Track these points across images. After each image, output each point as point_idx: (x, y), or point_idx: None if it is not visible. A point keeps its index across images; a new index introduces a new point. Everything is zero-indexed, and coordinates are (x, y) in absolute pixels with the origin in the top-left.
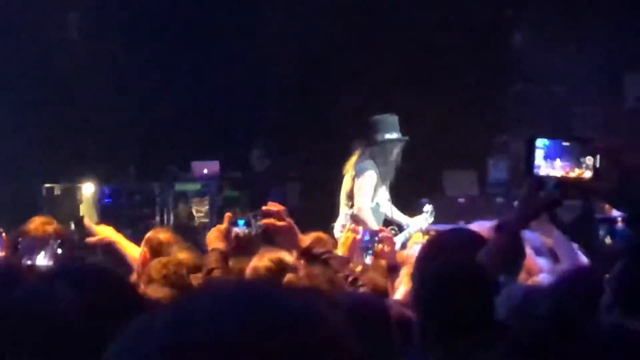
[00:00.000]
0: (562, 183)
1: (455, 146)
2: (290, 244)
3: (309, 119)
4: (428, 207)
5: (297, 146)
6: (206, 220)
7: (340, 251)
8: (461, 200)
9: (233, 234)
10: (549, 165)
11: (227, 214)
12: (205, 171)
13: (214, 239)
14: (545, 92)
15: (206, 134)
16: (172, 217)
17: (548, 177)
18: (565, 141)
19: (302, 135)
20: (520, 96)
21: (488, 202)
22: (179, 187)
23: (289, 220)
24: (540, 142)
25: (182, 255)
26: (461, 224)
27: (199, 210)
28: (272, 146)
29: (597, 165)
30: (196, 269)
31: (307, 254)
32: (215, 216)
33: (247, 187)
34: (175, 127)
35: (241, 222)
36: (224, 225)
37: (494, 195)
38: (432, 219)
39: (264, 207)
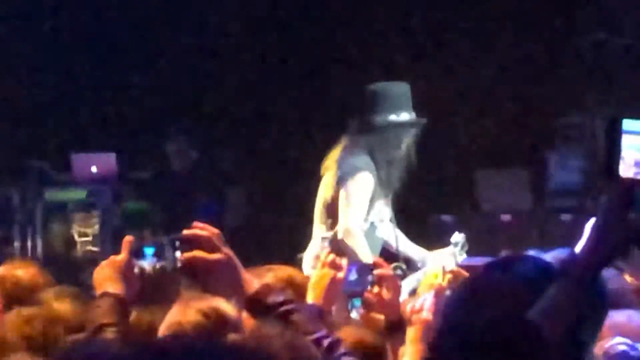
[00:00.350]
0: None
1: (497, 134)
2: (228, 287)
3: (262, 92)
4: (458, 237)
5: (241, 131)
6: (95, 248)
7: (311, 297)
8: (506, 217)
9: (137, 270)
10: None
11: (128, 239)
12: (94, 169)
13: (106, 278)
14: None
15: (95, 112)
16: (40, 243)
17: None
18: None
19: (250, 116)
20: (602, 53)
21: (548, 221)
22: (52, 195)
23: (227, 250)
24: (633, 125)
25: (57, 304)
26: (504, 254)
27: (84, 233)
28: (201, 132)
29: None
30: (78, 326)
31: (256, 305)
32: (110, 241)
33: (161, 196)
34: (47, 103)
35: (149, 250)
36: (122, 257)
37: (557, 211)
38: (463, 255)
39: (185, 232)
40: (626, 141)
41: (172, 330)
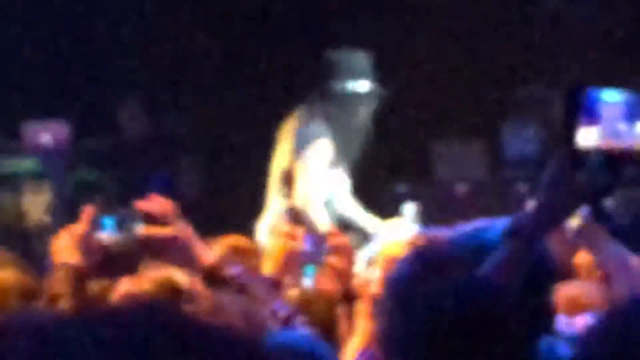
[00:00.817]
0: (616, 159)
1: (452, 104)
2: (183, 261)
3: (219, 59)
4: (411, 208)
5: (196, 97)
6: (46, 218)
7: (267, 268)
8: (461, 188)
9: (95, 242)
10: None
11: (88, 209)
12: (45, 139)
13: (64, 248)
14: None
15: (46, 80)
16: None
17: (597, 151)
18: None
19: (206, 80)
20: (558, 22)
21: (503, 191)
22: (2, 164)
23: (180, 224)
24: (611, 96)
25: (7, 274)
26: (461, 225)
27: (35, 202)
28: (154, 100)
29: None
30: (30, 294)
31: (211, 277)
32: (61, 211)
33: (114, 165)
34: None
35: (109, 221)
36: (81, 227)
37: (512, 180)
38: (416, 225)
39: (139, 205)
40: (605, 112)
41: (126, 300)
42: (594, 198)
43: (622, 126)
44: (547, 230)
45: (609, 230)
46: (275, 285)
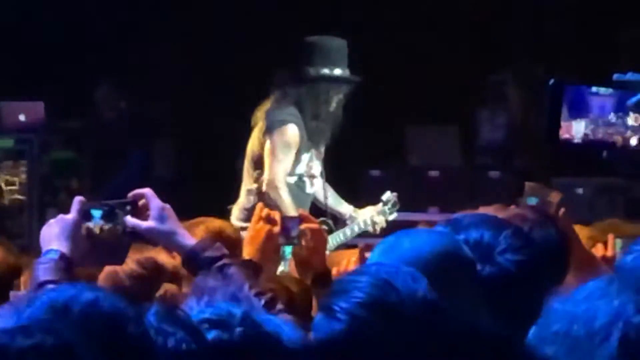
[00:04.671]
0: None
1: (426, 90)
2: (166, 247)
3: (194, 41)
4: (390, 196)
5: (172, 80)
6: (22, 197)
7: (246, 252)
8: (434, 174)
9: (84, 230)
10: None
11: (78, 198)
12: (22, 117)
13: (53, 236)
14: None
15: (23, 60)
16: None
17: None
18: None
19: (180, 66)
20: (532, 9)
21: (476, 178)
22: None
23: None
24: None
25: None
26: (433, 211)
27: (11, 181)
28: (130, 81)
29: None
30: (14, 272)
31: (192, 261)
32: (37, 190)
33: (89, 146)
34: None
35: (96, 213)
36: (70, 216)
37: (485, 168)
38: (394, 213)
39: (132, 194)
40: (595, 103)
41: (109, 279)
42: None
43: (609, 118)
44: None
45: None
46: (255, 269)
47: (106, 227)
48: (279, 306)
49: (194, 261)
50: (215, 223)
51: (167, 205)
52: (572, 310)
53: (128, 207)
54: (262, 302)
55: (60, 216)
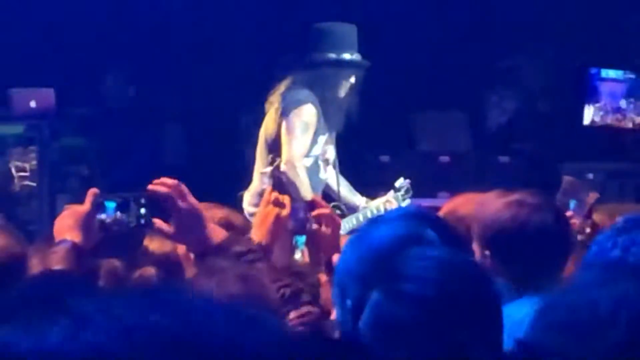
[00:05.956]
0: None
1: (436, 75)
2: (194, 239)
3: (205, 25)
4: (403, 183)
5: (180, 67)
6: (32, 183)
7: (255, 234)
8: (444, 159)
9: (97, 222)
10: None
11: (93, 190)
12: (33, 104)
13: (66, 227)
14: None
15: (34, 47)
16: None
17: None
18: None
19: (191, 50)
20: None
21: (486, 163)
22: None
23: (190, 202)
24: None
25: None
26: (443, 196)
27: (22, 167)
28: (139, 67)
29: None
30: (17, 259)
31: (221, 254)
32: (47, 177)
33: (99, 132)
34: None
35: (110, 205)
36: (84, 208)
37: (495, 153)
38: (407, 200)
39: (150, 187)
40: (604, 88)
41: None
42: None
43: (622, 103)
44: None
45: None
46: (265, 252)
47: (119, 219)
48: (304, 298)
49: (224, 254)
50: (221, 210)
51: (195, 204)
52: (575, 300)
53: (143, 200)
54: (287, 294)
55: (74, 207)
